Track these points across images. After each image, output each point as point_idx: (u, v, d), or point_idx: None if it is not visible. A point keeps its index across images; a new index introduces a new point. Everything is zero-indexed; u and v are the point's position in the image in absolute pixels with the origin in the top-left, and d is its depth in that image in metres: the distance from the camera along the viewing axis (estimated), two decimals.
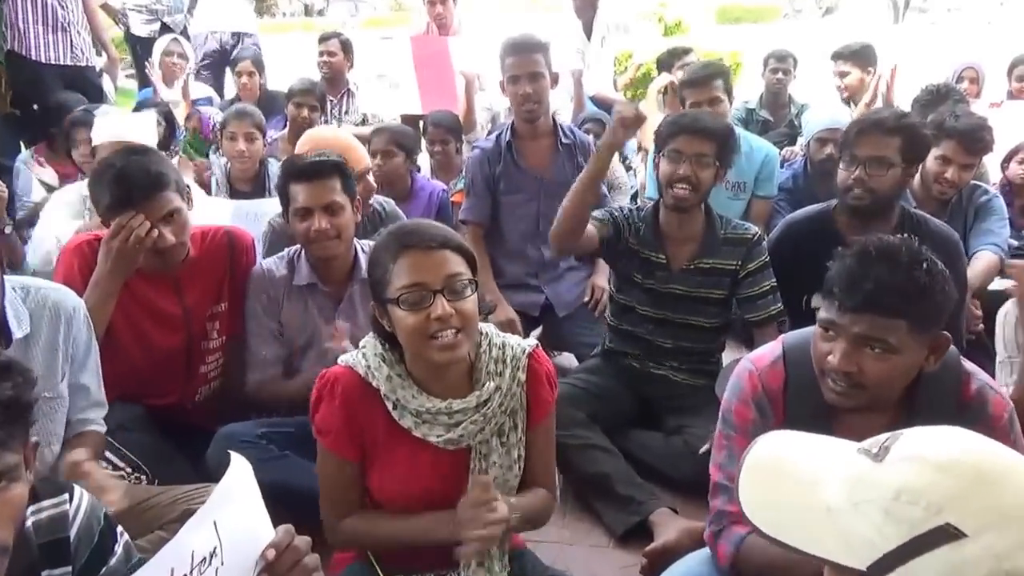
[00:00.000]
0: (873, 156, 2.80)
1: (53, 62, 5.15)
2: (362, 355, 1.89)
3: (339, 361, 1.92)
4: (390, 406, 1.85)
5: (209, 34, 6.68)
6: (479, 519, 1.74)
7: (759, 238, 2.95)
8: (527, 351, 1.94)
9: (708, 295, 2.96)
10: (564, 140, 3.70)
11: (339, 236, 2.69)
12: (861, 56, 5.31)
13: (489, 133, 4.67)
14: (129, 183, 2.44)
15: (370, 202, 3.42)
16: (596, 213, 2.94)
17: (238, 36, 6.73)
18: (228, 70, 6.57)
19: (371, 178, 3.38)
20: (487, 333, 1.93)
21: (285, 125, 5.30)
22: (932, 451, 0.94)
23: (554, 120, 3.73)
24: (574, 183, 2.81)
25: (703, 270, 2.94)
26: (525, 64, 3.51)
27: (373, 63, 6.02)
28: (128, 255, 2.47)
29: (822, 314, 1.76)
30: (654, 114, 5.78)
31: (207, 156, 4.91)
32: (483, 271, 3.86)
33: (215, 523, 1.21)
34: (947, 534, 0.89)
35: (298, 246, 2.81)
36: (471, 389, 1.87)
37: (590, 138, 3.98)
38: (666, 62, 5.94)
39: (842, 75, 5.32)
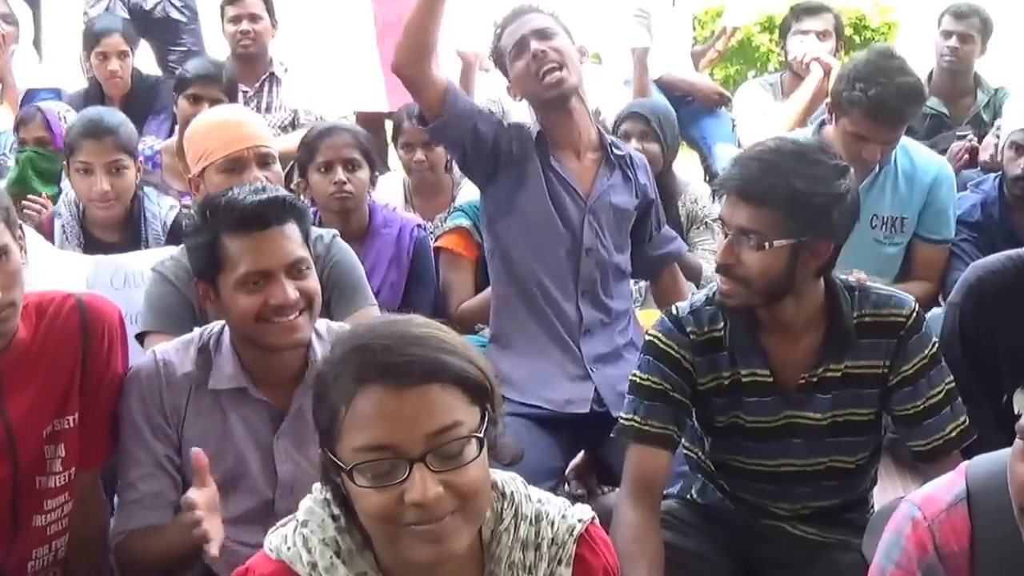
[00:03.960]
0: None
1: None
2: (301, 539, 1.83)
3: (266, 549, 1.86)
4: None
5: None
6: None
7: (917, 318, 2.90)
8: (575, 530, 1.92)
9: (848, 419, 2.94)
10: (616, 151, 3.85)
11: (308, 310, 2.73)
12: None
13: None
14: None
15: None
16: (648, 418, 2.90)
17: None
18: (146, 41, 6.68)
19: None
20: (511, 495, 1.89)
21: (172, 129, 5.36)
22: None
23: (600, 131, 3.87)
24: None
25: (833, 382, 2.91)
26: (527, 23, 3.71)
27: (311, 34, 6.08)
28: None
29: None
30: (767, 102, 5.86)
31: (59, 177, 4.93)
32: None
33: None
34: None
35: (216, 326, 2.85)
36: None
37: (643, 156, 4.10)
38: (790, 27, 5.99)
39: None
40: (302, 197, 4.70)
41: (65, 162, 4.34)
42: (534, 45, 3.64)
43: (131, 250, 4.10)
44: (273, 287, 2.66)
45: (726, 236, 2.78)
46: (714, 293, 2.95)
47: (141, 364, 2.81)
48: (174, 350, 2.82)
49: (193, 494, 2.49)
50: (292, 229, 2.71)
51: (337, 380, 1.72)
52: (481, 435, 1.72)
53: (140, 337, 3.35)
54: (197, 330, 2.87)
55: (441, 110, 3.59)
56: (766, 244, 2.73)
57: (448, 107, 3.60)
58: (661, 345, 2.95)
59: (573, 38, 3.77)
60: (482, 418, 1.73)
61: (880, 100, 3.96)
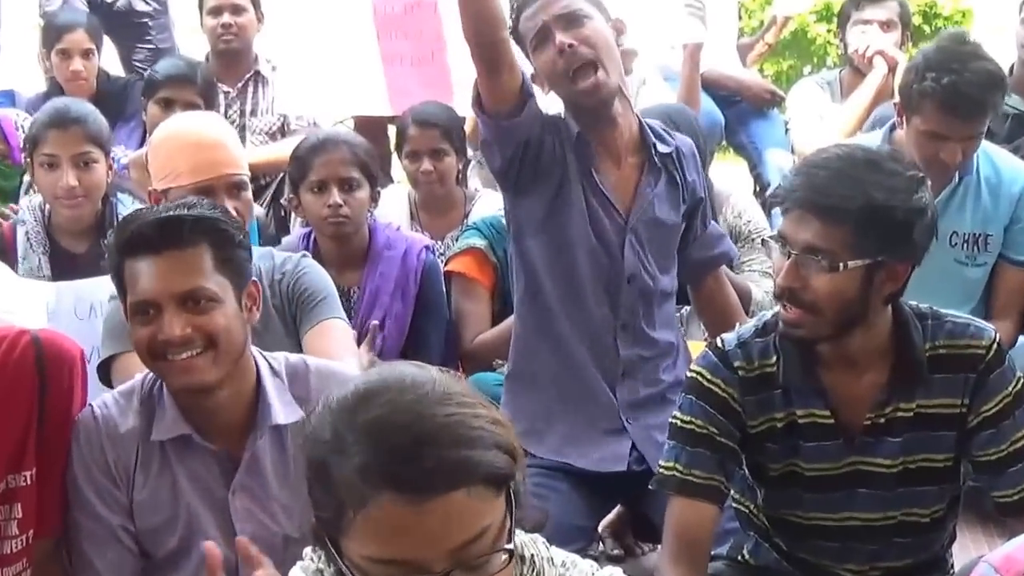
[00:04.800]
0: None
1: None
2: None
3: None
4: None
5: None
6: None
7: (998, 351, 2.88)
8: None
9: (921, 466, 2.92)
10: (661, 148, 3.69)
11: (212, 349, 2.67)
12: None
13: None
14: None
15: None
16: (692, 467, 2.87)
17: None
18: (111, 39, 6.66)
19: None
20: (531, 559, 1.88)
21: (144, 139, 5.36)
22: None
23: (641, 123, 3.72)
24: None
25: (903, 423, 2.89)
26: (550, 3, 3.53)
27: (301, 28, 6.07)
28: None
29: None
30: (824, 103, 5.84)
31: (16, 196, 4.94)
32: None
33: None
34: None
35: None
36: None
37: (689, 143, 3.88)
38: (850, 16, 5.98)
39: None
40: (293, 216, 4.73)
41: (29, 159, 4.41)
42: (559, 38, 3.48)
43: (101, 260, 4.05)
44: (161, 320, 2.64)
45: (788, 256, 2.77)
46: (764, 323, 2.95)
47: (80, 422, 2.79)
48: (114, 402, 2.81)
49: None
50: (196, 254, 2.68)
51: (344, 479, 1.66)
52: (511, 546, 1.68)
53: (103, 370, 3.38)
54: (138, 376, 2.86)
55: (518, 107, 3.46)
56: (839, 265, 2.72)
57: (528, 107, 3.48)
58: (705, 383, 2.93)
59: (608, 13, 3.60)
60: (508, 503, 1.70)
61: (955, 89, 3.92)
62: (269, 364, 2.82)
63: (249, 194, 3.65)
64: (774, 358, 2.90)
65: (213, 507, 2.75)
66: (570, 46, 3.46)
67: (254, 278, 2.85)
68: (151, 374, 2.82)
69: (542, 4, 3.54)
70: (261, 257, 3.59)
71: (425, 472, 1.60)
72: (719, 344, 2.96)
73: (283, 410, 2.74)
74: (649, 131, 3.70)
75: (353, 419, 1.68)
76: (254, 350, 2.82)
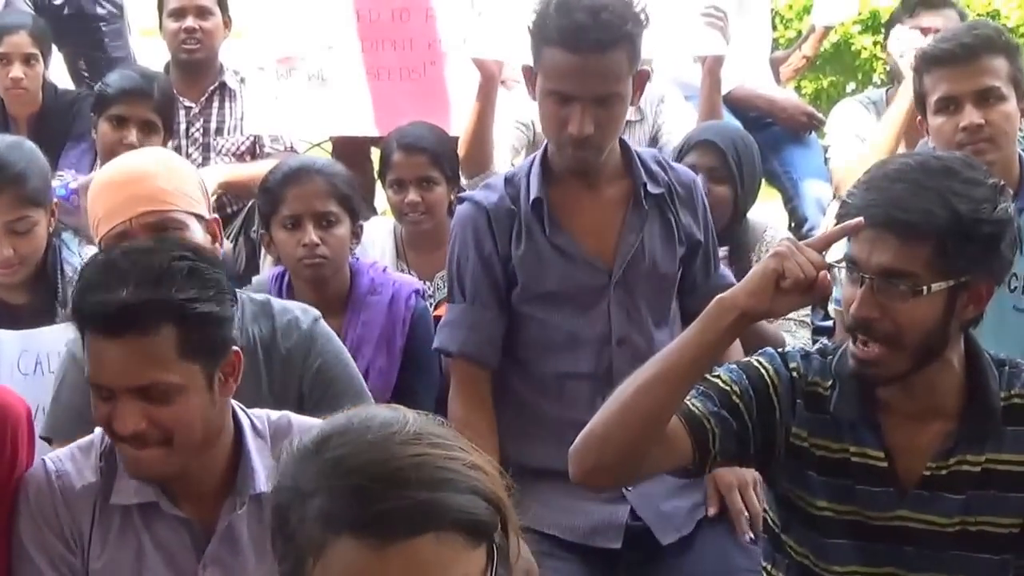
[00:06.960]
0: None
1: None
2: None
3: None
4: None
5: None
6: None
7: None
8: None
9: (983, 529, 2.93)
10: (651, 188, 3.68)
11: (166, 446, 2.66)
12: None
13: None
14: None
15: None
16: (692, 398, 2.88)
17: None
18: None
19: None
20: None
21: (96, 160, 5.41)
22: None
23: (625, 148, 3.72)
24: (653, 363, 2.84)
25: (968, 478, 2.90)
26: (570, 66, 3.49)
27: (274, 39, 6.06)
28: None
29: None
30: (867, 125, 5.84)
31: None
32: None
33: None
34: None
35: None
36: None
37: (697, 178, 3.97)
38: (900, 23, 6.00)
39: None
40: (263, 253, 4.71)
41: None
42: (563, 112, 3.48)
43: (45, 312, 4.09)
44: (116, 409, 2.63)
45: (861, 283, 2.79)
46: (824, 346, 3.02)
47: (29, 477, 2.78)
48: (69, 457, 2.82)
49: None
50: (159, 341, 2.62)
51: (303, 521, 1.71)
52: None
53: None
54: (99, 431, 2.84)
55: None
56: (922, 289, 2.74)
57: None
58: (754, 362, 2.98)
59: (636, 63, 3.60)
60: (489, 557, 1.73)
61: (937, 44, 4.09)
62: (252, 423, 2.84)
63: (193, 232, 3.44)
64: (830, 382, 2.94)
65: None
66: (576, 138, 3.49)
67: (236, 348, 2.80)
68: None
69: (564, 57, 3.50)
70: (255, 318, 3.46)
71: (386, 513, 1.65)
72: (780, 348, 3.03)
73: (266, 476, 2.71)
74: (639, 165, 3.68)
75: (312, 461, 1.73)
76: (235, 405, 2.83)
